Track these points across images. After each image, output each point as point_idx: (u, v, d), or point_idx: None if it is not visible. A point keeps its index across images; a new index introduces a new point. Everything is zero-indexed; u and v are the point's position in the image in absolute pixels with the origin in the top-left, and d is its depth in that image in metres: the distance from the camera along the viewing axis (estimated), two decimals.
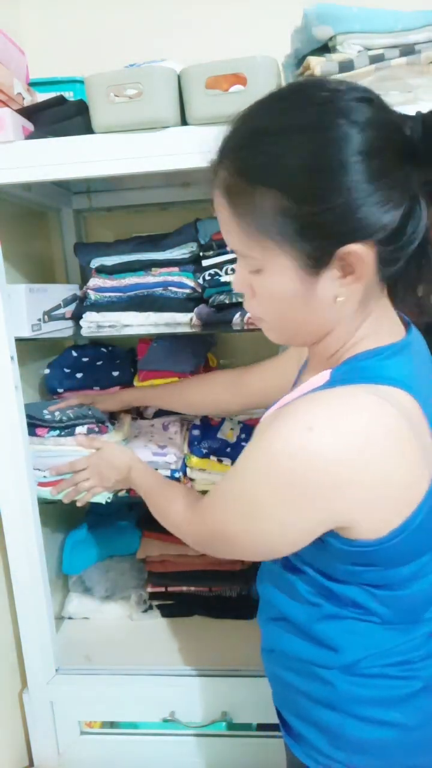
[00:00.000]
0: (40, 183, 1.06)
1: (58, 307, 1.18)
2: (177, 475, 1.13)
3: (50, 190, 1.23)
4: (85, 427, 1.10)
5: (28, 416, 1.05)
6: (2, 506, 1.05)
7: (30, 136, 0.94)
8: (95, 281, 1.18)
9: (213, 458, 1.13)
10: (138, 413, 1.31)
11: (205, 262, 1.11)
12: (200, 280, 1.13)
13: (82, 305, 1.20)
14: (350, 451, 0.52)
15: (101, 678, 1.13)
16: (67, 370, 1.28)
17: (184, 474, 1.16)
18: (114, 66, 0.94)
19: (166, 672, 1.12)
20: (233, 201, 0.56)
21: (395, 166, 0.52)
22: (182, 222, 1.17)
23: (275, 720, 1.05)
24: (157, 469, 1.13)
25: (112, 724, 1.20)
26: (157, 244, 1.17)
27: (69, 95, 1.10)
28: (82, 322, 1.18)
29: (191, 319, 1.13)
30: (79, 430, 1.09)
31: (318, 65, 0.87)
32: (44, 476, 1.11)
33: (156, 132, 0.88)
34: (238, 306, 1.08)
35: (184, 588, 1.26)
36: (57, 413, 1.09)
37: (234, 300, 1.08)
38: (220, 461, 1.13)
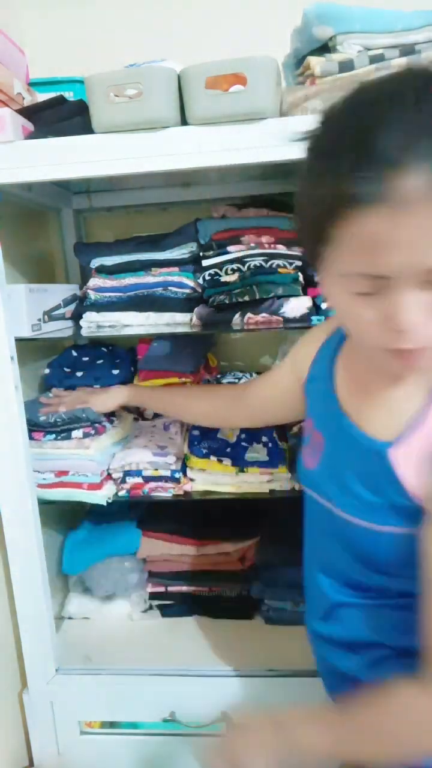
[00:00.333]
0: (40, 183, 1.06)
1: (58, 307, 1.18)
2: (177, 475, 1.13)
3: (50, 190, 1.23)
4: (81, 431, 1.10)
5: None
6: (2, 506, 1.05)
7: (30, 136, 0.94)
8: (95, 281, 1.18)
9: (213, 458, 1.14)
10: (138, 413, 1.31)
11: (205, 262, 1.11)
12: (200, 280, 1.13)
13: (82, 305, 1.19)
14: None
15: (101, 678, 1.13)
16: (67, 370, 1.28)
17: (184, 474, 1.16)
18: (114, 66, 0.94)
19: (166, 672, 1.12)
20: None
21: None
22: (182, 222, 1.17)
23: None
24: (157, 469, 1.13)
25: (112, 724, 1.20)
26: (157, 244, 1.17)
27: (69, 95, 1.10)
28: (82, 322, 1.18)
29: (191, 319, 1.13)
30: (75, 434, 1.09)
31: (318, 65, 0.87)
32: (44, 478, 1.11)
33: (156, 132, 0.88)
34: (238, 306, 1.08)
35: (184, 588, 1.26)
36: (52, 416, 1.09)
37: (234, 300, 1.08)
38: (220, 461, 1.13)
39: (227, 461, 1.13)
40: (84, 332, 1.16)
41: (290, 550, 1.20)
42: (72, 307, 1.24)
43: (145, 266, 1.16)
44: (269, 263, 1.08)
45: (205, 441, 1.16)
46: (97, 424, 1.12)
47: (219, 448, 1.14)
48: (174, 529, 1.25)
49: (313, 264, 0.58)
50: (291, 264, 1.09)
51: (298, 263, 1.09)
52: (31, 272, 1.25)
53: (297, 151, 0.86)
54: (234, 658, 1.14)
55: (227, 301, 1.08)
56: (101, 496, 1.12)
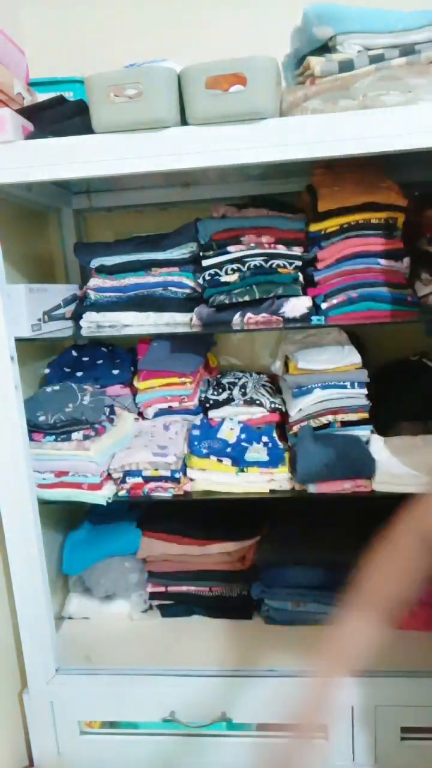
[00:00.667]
0: (40, 183, 1.06)
1: (58, 307, 1.18)
2: (177, 475, 1.13)
3: (50, 190, 1.23)
4: (81, 432, 1.10)
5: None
6: (2, 506, 1.05)
7: (30, 136, 0.94)
8: (95, 281, 1.18)
9: (213, 458, 1.14)
10: (138, 413, 1.31)
11: (205, 262, 1.11)
12: (200, 280, 1.13)
13: (82, 305, 1.20)
14: None
15: (101, 678, 1.13)
16: (67, 370, 1.28)
17: (184, 474, 1.16)
18: (114, 66, 0.94)
19: (166, 672, 1.12)
20: None
21: None
22: (182, 222, 1.17)
23: (275, 720, 1.05)
24: (157, 469, 1.13)
25: (112, 724, 1.20)
26: (157, 244, 1.17)
27: (69, 95, 1.10)
28: (82, 322, 1.18)
29: (191, 319, 1.13)
30: (75, 436, 1.09)
31: (318, 65, 0.88)
32: (44, 479, 1.11)
33: (156, 132, 0.88)
34: (238, 306, 1.08)
35: (184, 588, 1.26)
36: (51, 417, 1.08)
37: (234, 300, 1.08)
38: (220, 461, 1.13)
39: (227, 461, 1.13)
40: (84, 332, 1.16)
41: (290, 550, 1.20)
42: (72, 307, 1.24)
43: (145, 266, 1.16)
44: (269, 263, 1.08)
45: (205, 441, 1.16)
46: (97, 425, 1.12)
47: (219, 448, 1.14)
48: (174, 529, 1.25)
49: None
50: (291, 264, 1.09)
51: (298, 263, 1.09)
52: (31, 272, 1.25)
53: (297, 151, 0.87)
54: (234, 658, 1.14)
55: (227, 301, 1.08)
56: (101, 497, 1.12)
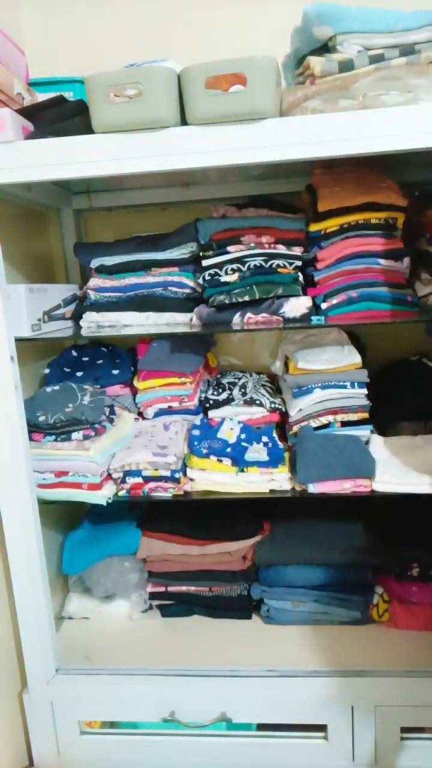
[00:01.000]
0: (40, 183, 1.06)
1: (58, 307, 1.18)
2: (177, 475, 1.13)
3: (50, 190, 1.23)
4: (81, 432, 1.10)
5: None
6: (2, 506, 1.05)
7: (30, 136, 0.94)
8: (95, 281, 1.18)
9: (213, 458, 1.14)
10: (138, 413, 1.31)
11: (205, 262, 1.11)
12: (200, 280, 1.13)
13: (82, 305, 1.20)
14: None
15: (101, 678, 1.13)
16: (67, 370, 1.28)
17: (184, 474, 1.16)
18: (114, 66, 0.94)
19: (166, 672, 1.12)
20: None
21: None
22: (182, 222, 1.17)
23: (275, 720, 1.05)
24: (157, 469, 1.13)
25: (112, 724, 1.20)
26: (157, 244, 1.17)
27: (69, 95, 1.10)
28: (82, 322, 1.18)
29: (191, 319, 1.13)
30: (75, 436, 1.09)
31: (318, 65, 0.88)
32: (43, 479, 1.11)
33: (156, 132, 0.88)
34: (238, 306, 1.08)
35: (184, 588, 1.26)
36: (51, 417, 1.08)
37: (234, 300, 1.08)
38: (220, 461, 1.13)
39: (227, 461, 1.13)
40: (84, 332, 1.16)
41: (290, 550, 1.20)
42: (72, 307, 1.24)
43: (145, 266, 1.16)
44: (269, 263, 1.08)
45: (205, 441, 1.16)
46: (96, 425, 1.12)
47: (219, 448, 1.14)
48: (174, 529, 1.25)
49: None
50: (291, 264, 1.09)
51: (298, 263, 1.09)
52: (31, 272, 1.25)
53: (297, 151, 0.87)
54: (234, 658, 1.14)
55: (227, 301, 1.08)
56: (101, 497, 1.12)
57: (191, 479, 1.16)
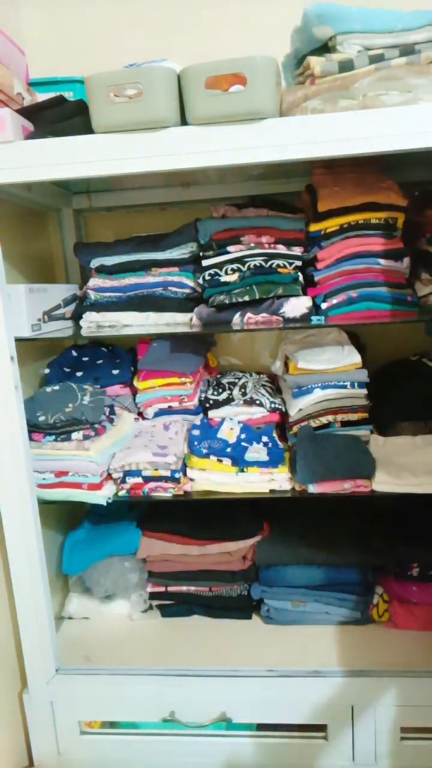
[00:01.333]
0: (40, 183, 1.06)
1: (58, 307, 1.18)
2: (177, 475, 1.13)
3: (50, 190, 1.23)
4: (81, 432, 1.09)
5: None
6: (2, 506, 1.05)
7: (30, 136, 0.94)
8: (95, 281, 1.18)
9: (213, 458, 1.14)
10: (138, 413, 1.31)
11: (204, 262, 1.11)
12: (200, 280, 1.13)
13: (82, 305, 1.20)
14: None
15: (101, 678, 1.13)
16: (67, 370, 1.28)
17: (184, 474, 1.16)
18: (114, 66, 0.94)
19: (166, 672, 1.12)
20: None
21: None
22: (182, 222, 1.17)
23: (275, 720, 1.05)
24: (157, 469, 1.13)
25: (112, 724, 1.20)
26: (157, 244, 1.17)
27: (69, 95, 1.10)
28: (82, 322, 1.18)
29: (191, 319, 1.13)
30: (75, 436, 1.09)
31: (318, 65, 0.88)
32: (43, 479, 1.11)
33: (156, 132, 0.88)
34: (238, 306, 1.08)
35: (184, 588, 1.26)
36: (51, 417, 1.08)
37: (234, 300, 1.08)
38: (220, 461, 1.13)
39: (227, 461, 1.13)
40: (84, 332, 1.16)
41: (290, 550, 1.20)
42: (72, 307, 1.24)
43: (145, 266, 1.16)
44: (269, 263, 1.08)
45: (205, 441, 1.16)
46: (96, 425, 1.12)
47: (219, 448, 1.14)
48: (174, 529, 1.25)
49: None
50: (291, 264, 1.09)
51: (298, 263, 1.09)
52: (31, 272, 1.25)
53: (297, 151, 0.87)
54: (234, 658, 1.14)
55: (227, 301, 1.08)
56: (101, 497, 1.12)
57: (191, 479, 1.16)
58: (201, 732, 1.13)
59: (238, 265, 1.09)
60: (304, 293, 1.09)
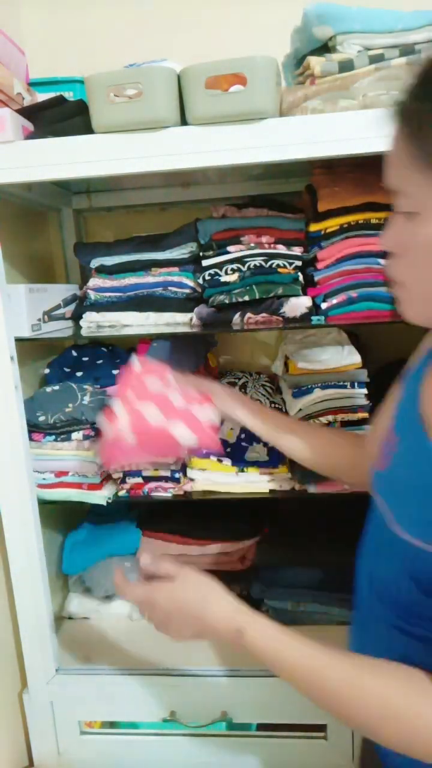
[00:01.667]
0: (40, 183, 1.06)
1: (58, 307, 1.18)
2: (177, 475, 1.13)
3: (50, 190, 1.23)
4: (81, 432, 1.09)
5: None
6: (2, 506, 1.05)
7: (30, 136, 0.94)
8: (95, 281, 1.18)
9: (213, 458, 1.13)
10: None
11: (205, 262, 1.11)
12: (200, 280, 1.13)
13: (82, 305, 1.19)
14: None
15: (101, 678, 1.13)
16: (67, 370, 1.28)
17: (184, 474, 1.16)
18: (114, 66, 0.94)
19: (166, 672, 1.12)
20: (408, 123, 0.52)
21: None
22: (182, 222, 1.17)
23: (275, 720, 1.05)
24: (157, 469, 1.13)
25: (112, 724, 1.20)
26: (156, 244, 1.17)
27: (69, 95, 1.10)
28: (82, 322, 1.18)
29: (191, 319, 1.13)
30: (75, 436, 1.09)
31: (318, 65, 0.88)
32: (43, 479, 1.11)
33: (156, 132, 0.88)
34: (238, 306, 1.08)
35: None
36: (51, 418, 1.08)
37: (234, 300, 1.08)
38: (220, 461, 1.13)
39: (227, 461, 1.13)
40: (84, 332, 1.16)
41: (290, 550, 1.20)
42: (72, 307, 1.24)
43: (145, 266, 1.16)
44: (269, 263, 1.08)
45: None
46: (97, 425, 1.12)
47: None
48: (174, 529, 1.25)
49: None
50: (291, 264, 1.09)
51: (298, 263, 1.09)
52: (31, 272, 1.25)
53: (297, 151, 0.87)
54: (234, 658, 1.14)
55: (227, 301, 1.08)
56: (101, 497, 1.12)
57: (191, 479, 1.16)
58: (201, 732, 1.13)
59: (238, 265, 1.09)
60: (304, 293, 1.09)
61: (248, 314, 1.07)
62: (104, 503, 1.12)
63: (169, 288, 1.15)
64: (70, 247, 1.31)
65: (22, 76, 1.08)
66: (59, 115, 0.96)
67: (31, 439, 1.08)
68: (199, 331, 1.11)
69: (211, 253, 1.11)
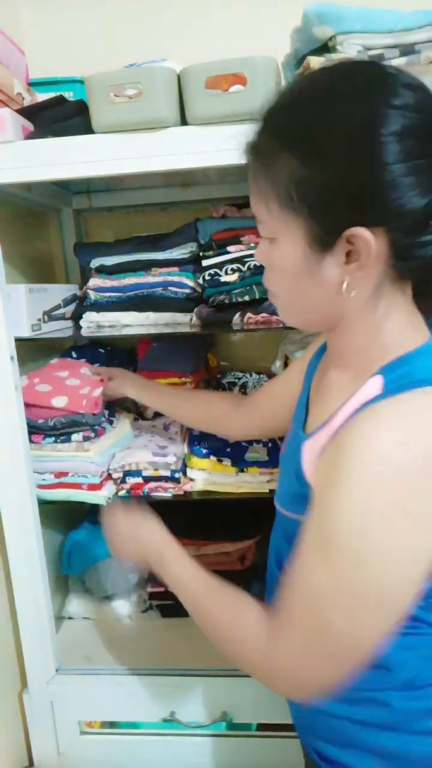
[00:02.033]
0: (40, 183, 1.06)
1: (58, 307, 1.18)
2: (177, 475, 1.13)
3: (50, 190, 1.23)
4: (80, 434, 1.09)
5: None
6: (2, 506, 1.05)
7: (30, 136, 0.94)
8: (95, 281, 1.18)
9: (213, 458, 1.13)
10: (138, 413, 1.31)
11: (205, 262, 1.11)
12: (200, 280, 1.13)
13: (82, 305, 1.20)
14: None
15: (101, 678, 1.13)
16: None
17: (184, 474, 1.16)
18: (114, 66, 0.94)
19: (166, 672, 1.12)
20: (259, 161, 0.57)
21: (428, 152, 0.50)
22: (182, 222, 1.17)
23: (275, 720, 1.05)
24: (157, 469, 1.13)
25: (112, 724, 1.20)
26: (157, 244, 1.17)
27: (69, 95, 1.10)
28: (82, 322, 1.18)
29: (191, 319, 1.13)
30: (75, 437, 1.09)
31: (318, 65, 0.87)
32: (43, 479, 1.11)
33: (156, 132, 0.88)
34: (238, 306, 1.08)
35: None
36: (51, 420, 1.08)
37: (234, 300, 1.08)
38: (220, 461, 1.13)
39: (227, 461, 1.13)
40: (84, 332, 1.16)
41: None
42: (72, 307, 1.24)
43: (145, 266, 1.16)
44: None
45: (205, 441, 1.16)
46: (96, 427, 1.12)
47: (219, 448, 1.14)
48: (174, 529, 1.24)
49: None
50: None
51: None
52: (31, 272, 1.25)
53: None
54: None
55: (227, 301, 1.08)
56: (101, 497, 1.12)
57: (191, 479, 1.16)
58: (201, 732, 1.14)
59: (238, 265, 1.09)
60: None
61: (248, 314, 1.07)
62: (104, 503, 1.12)
63: (169, 288, 1.15)
64: (70, 247, 1.31)
65: (22, 76, 1.08)
66: (59, 115, 0.96)
67: (30, 441, 1.08)
68: (199, 331, 1.11)
69: (211, 253, 1.11)
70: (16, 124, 0.91)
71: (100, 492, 1.12)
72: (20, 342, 1.02)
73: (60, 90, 1.09)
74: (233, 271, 1.10)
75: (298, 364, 0.88)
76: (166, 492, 1.14)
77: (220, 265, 1.10)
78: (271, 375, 1.35)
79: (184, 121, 0.89)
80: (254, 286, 1.07)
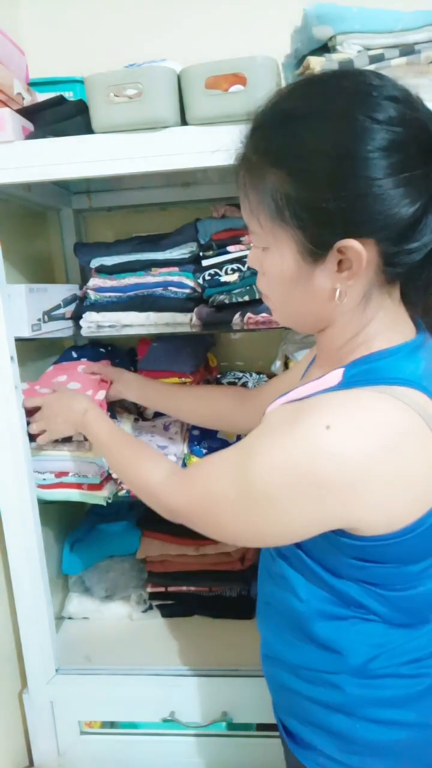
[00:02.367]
0: (40, 183, 1.06)
1: (58, 307, 1.18)
2: None
3: (50, 190, 1.23)
4: (81, 434, 1.09)
5: None
6: (2, 506, 1.05)
7: (30, 136, 0.94)
8: (95, 281, 1.18)
9: None
10: (138, 413, 1.31)
11: (205, 262, 1.11)
12: (200, 280, 1.13)
13: (82, 305, 1.20)
14: (366, 451, 0.52)
15: (101, 678, 1.13)
16: None
17: None
18: (114, 66, 0.94)
19: (166, 672, 1.12)
20: (249, 176, 0.59)
21: (413, 164, 0.51)
22: (182, 222, 1.17)
23: (275, 720, 1.05)
24: None
25: (112, 724, 1.20)
26: (157, 244, 1.17)
27: (69, 95, 1.10)
28: (82, 322, 1.18)
29: (191, 319, 1.13)
30: (75, 437, 1.09)
31: (318, 65, 0.87)
32: (43, 479, 1.11)
33: (156, 132, 0.88)
34: (238, 306, 1.08)
35: (184, 588, 1.26)
36: None
37: (234, 300, 1.08)
38: None
39: None
40: (84, 332, 1.16)
41: None
42: (72, 307, 1.24)
43: (145, 266, 1.16)
44: None
45: (205, 441, 1.16)
46: None
47: (218, 448, 1.14)
48: (174, 529, 1.25)
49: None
50: None
51: None
52: (31, 272, 1.25)
53: None
54: (234, 658, 1.14)
55: (227, 301, 1.08)
56: (101, 497, 1.12)
57: None
58: (201, 732, 1.13)
59: (238, 265, 1.09)
60: None
61: (248, 314, 1.07)
62: (104, 503, 1.12)
63: (169, 288, 1.15)
64: (70, 247, 1.31)
65: (22, 76, 1.08)
66: (59, 115, 0.96)
67: (31, 440, 1.08)
68: (199, 331, 1.11)
69: (211, 253, 1.11)
70: (16, 124, 0.91)
71: (101, 492, 1.11)
72: (20, 342, 1.02)
73: (60, 90, 1.09)
74: (233, 271, 1.10)
75: (300, 364, 0.89)
76: None
77: (220, 265, 1.10)
78: (271, 375, 1.35)
79: (184, 121, 0.89)
80: (254, 286, 1.07)
